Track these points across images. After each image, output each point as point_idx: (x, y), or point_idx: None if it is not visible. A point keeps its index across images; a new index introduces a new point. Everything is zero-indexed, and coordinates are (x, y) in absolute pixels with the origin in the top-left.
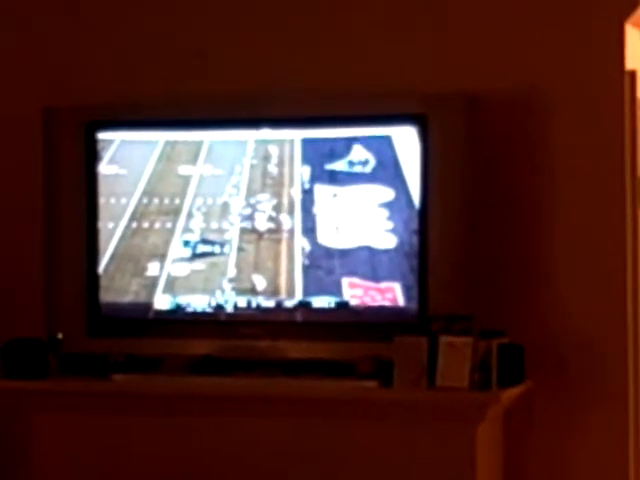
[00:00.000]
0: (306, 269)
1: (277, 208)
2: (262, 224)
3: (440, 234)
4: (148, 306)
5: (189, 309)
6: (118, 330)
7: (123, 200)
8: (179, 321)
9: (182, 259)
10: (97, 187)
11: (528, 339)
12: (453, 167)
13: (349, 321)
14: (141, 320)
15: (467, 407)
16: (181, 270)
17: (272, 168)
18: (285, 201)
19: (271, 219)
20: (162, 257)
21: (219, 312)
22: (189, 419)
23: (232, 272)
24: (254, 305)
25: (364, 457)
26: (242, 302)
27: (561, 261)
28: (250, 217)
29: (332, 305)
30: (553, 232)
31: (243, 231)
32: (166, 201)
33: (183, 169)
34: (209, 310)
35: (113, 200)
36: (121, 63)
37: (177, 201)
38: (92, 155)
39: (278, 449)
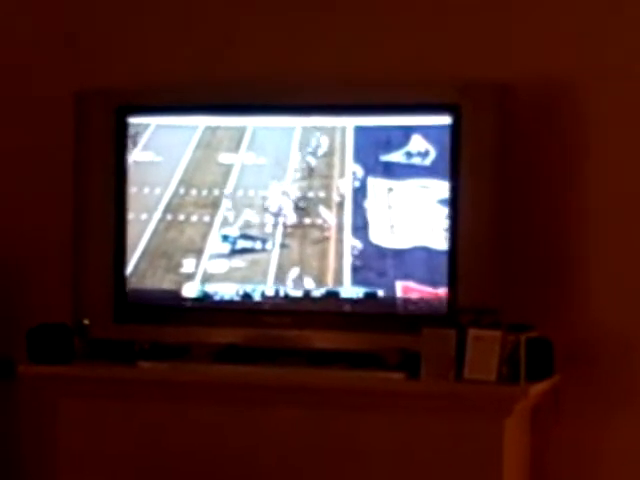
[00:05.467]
0: (355, 270)
1: (325, 202)
2: (308, 219)
3: (471, 226)
4: (175, 293)
5: (216, 297)
6: (144, 317)
7: (157, 190)
8: (206, 309)
9: (220, 255)
10: (129, 175)
11: (557, 333)
12: (485, 158)
13: (377, 312)
14: (168, 307)
15: (495, 400)
16: (218, 267)
17: (321, 158)
18: (334, 195)
19: (318, 214)
20: (198, 253)
21: (246, 301)
22: (214, 407)
23: (274, 271)
24: (282, 294)
25: (390, 449)
26: (270, 291)
27: (593, 254)
28: (296, 211)
29: (360, 295)
30: (586, 225)
31: (287, 226)
32: (204, 192)
33: (224, 157)
34: (237, 299)
35: (147, 190)
36: (156, 45)
37: (216, 192)
38: (122, 141)
39: (302, 439)
